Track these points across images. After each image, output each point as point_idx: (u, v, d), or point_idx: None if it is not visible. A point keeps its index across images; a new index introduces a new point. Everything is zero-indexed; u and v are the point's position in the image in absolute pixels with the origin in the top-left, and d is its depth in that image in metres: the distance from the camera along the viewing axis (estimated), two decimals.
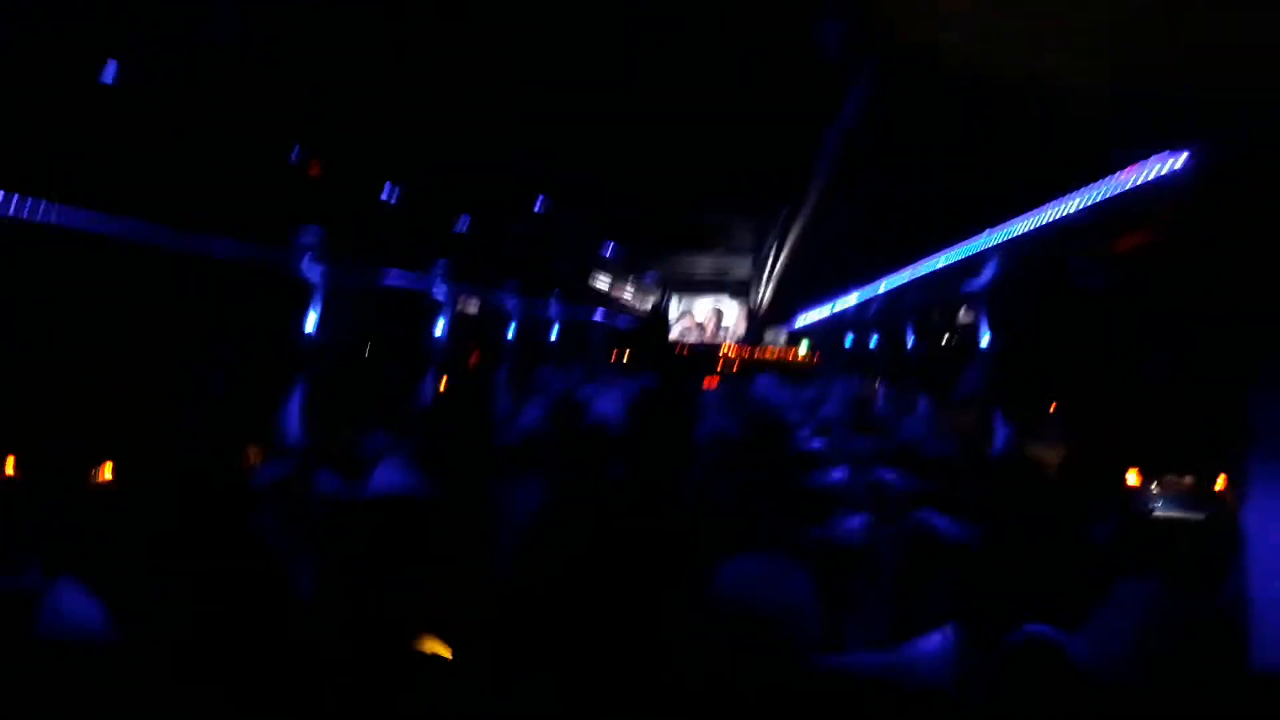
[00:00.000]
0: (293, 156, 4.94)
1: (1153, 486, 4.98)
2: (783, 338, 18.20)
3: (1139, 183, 2.94)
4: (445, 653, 2.93)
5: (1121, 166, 2.91)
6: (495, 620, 3.13)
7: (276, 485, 3.82)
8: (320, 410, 5.54)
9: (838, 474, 4.55)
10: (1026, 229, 4.29)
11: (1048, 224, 4.08)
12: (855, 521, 3.39)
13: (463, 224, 8.01)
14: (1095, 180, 3.17)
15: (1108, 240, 4.40)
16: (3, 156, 3.87)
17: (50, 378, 4.26)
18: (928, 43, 2.32)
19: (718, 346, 17.92)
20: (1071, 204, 3.50)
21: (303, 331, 5.90)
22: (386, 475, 4.19)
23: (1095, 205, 3.33)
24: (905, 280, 7.43)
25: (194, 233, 4.98)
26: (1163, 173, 2.75)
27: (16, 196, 3.89)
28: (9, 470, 3.96)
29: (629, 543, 3.65)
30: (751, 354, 17.78)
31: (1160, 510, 4.85)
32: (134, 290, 4.81)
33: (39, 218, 4.02)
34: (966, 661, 1.99)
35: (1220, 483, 4.89)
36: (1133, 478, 5.06)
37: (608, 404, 7.64)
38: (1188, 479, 4.98)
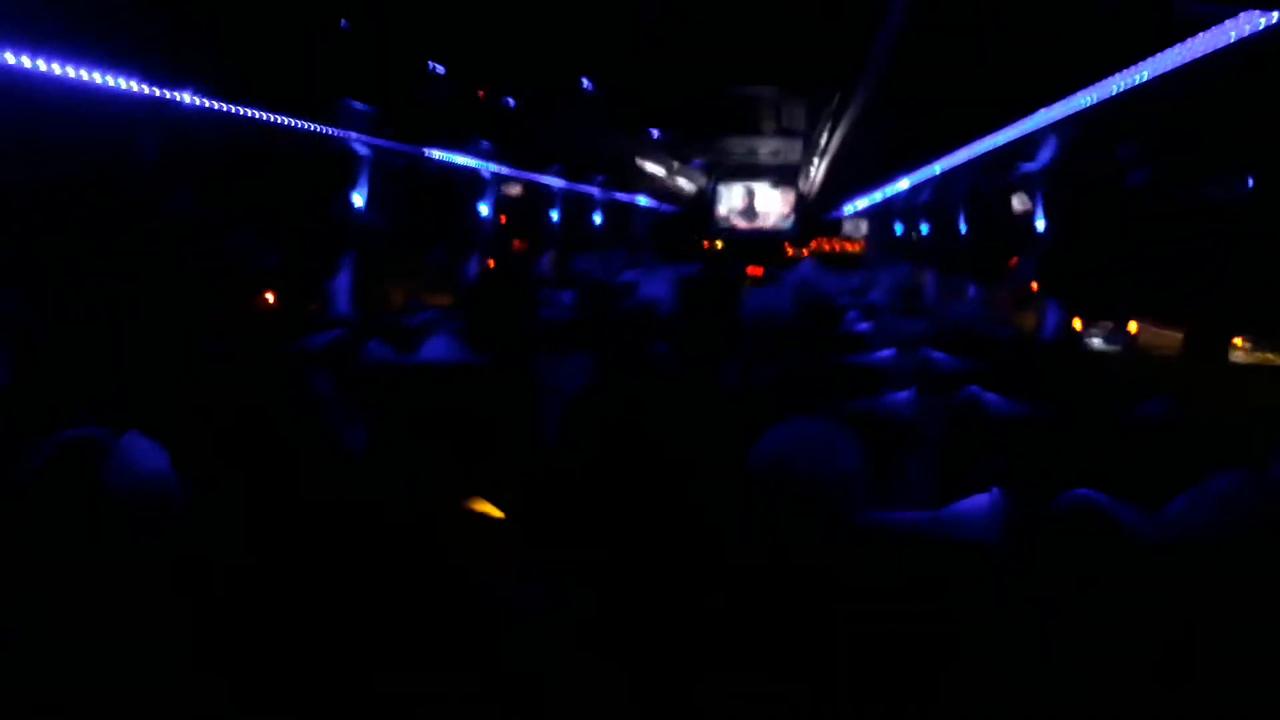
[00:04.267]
0: (342, 25, 4.87)
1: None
2: (831, 228, 17.93)
3: (1214, 48, 2.76)
4: (496, 514, 3.00)
5: (1195, 30, 2.72)
6: (541, 487, 3.20)
7: (329, 350, 3.89)
8: (370, 283, 5.60)
9: (885, 354, 4.52)
10: (1086, 104, 4.11)
11: (1104, 101, 3.91)
12: (902, 396, 3.38)
13: (509, 103, 7.91)
14: (1164, 47, 2.99)
15: (1172, 117, 4.23)
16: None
17: (112, 236, 4.32)
18: None
19: (764, 232, 17.71)
20: (1138, 75, 3.32)
21: (353, 206, 5.92)
22: (436, 347, 4.25)
23: (1163, 75, 3.16)
24: (957, 164, 7.25)
25: (246, 103, 4.97)
26: (1243, 36, 2.56)
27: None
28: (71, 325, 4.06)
29: (674, 414, 3.68)
30: (800, 240, 17.57)
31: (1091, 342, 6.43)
32: (195, 157, 4.83)
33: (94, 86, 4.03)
34: (1012, 521, 2.00)
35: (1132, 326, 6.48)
36: (1076, 323, 6.49)
37: (655, 287, 7.66)
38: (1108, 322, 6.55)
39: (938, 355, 4.40)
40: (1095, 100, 3.92)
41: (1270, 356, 5.75)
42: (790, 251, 17.22)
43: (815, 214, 17.38)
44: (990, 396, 3.28)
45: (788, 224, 17.56)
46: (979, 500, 2.05)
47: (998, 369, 4.17)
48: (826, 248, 17.48)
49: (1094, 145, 5.62)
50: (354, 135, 5.83)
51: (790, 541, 2.18)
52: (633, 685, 2.03)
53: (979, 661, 1.88)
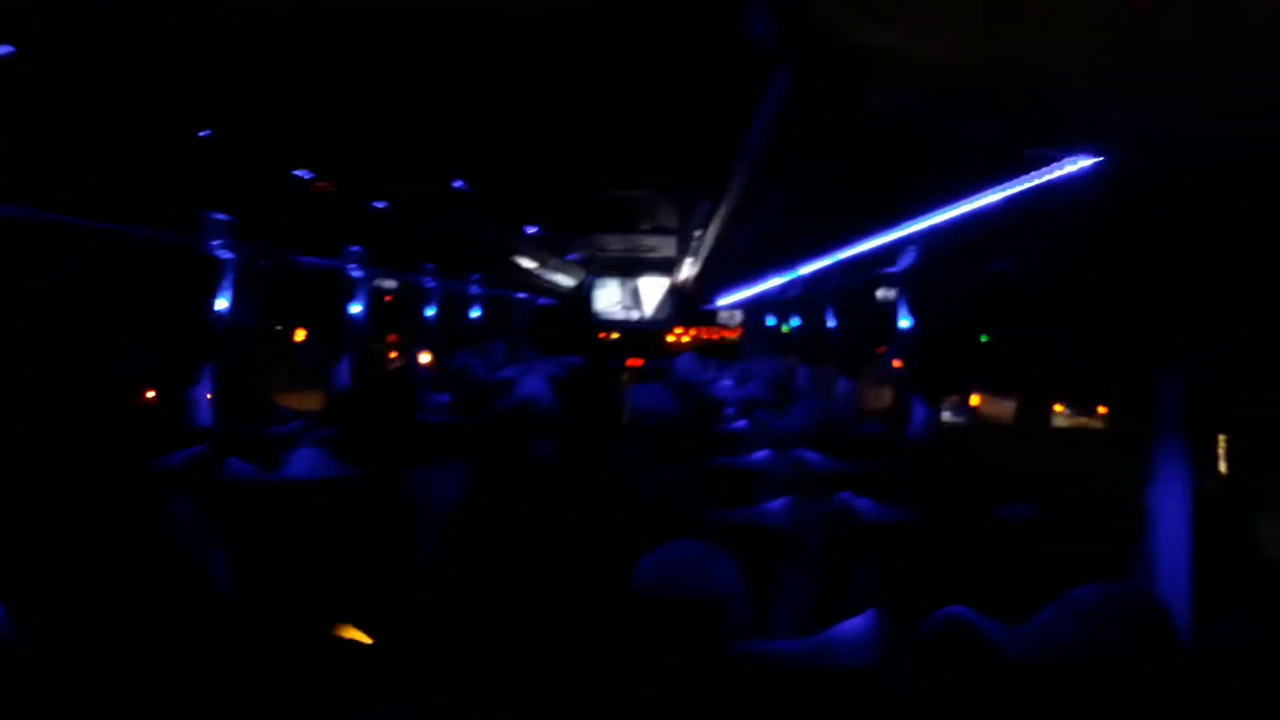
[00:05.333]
0: (202, 134, 4.76)
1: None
2: (707, 318, 18.29)
3: (1053, 180, 3.04)
4: (364, 640, 2.88)
5: (1038, 166, 3.02)
6: (415, 609, 3.09)
7: (186, 471, 3.70)
8: (231, 395, 5.38)
9: (761, 455, 4.58)
10: (943, 221, 4.40)
11: (963, 217, 4.20)
12: (779, 503, 3.41)
13: (379, 204, 7.84)
14: (1012, 177, 3.28)
15: (1020, 234, 4.56)
16: None
17: None
18: (856, 40, 2.33)
19: (643, 323, 17.94)
20: (986, 198, 3.63)
21: (213, 314, 5.71)
22: (303, 462, 4.09)
23: (1011, 200, 3.44)
24: (827, 265, 7.52)
25: (98, 214, 4.78)
26: (1075, 173, 2.86)
27: None
28: None
29: (553, 530, 3.63)
30: (677, 333, 17.87)
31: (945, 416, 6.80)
32: (36, 272, 4.61)
33: None
34: (889, 644, 2.01)
35: (974, 400, 7.37)
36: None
37: (534, 384, 7.60)
38: (955, 398, 7.25)
39: (812, 457, 4.48)
40: (947, 219, 4.21)
41: (1084, 420, 6.74)
42: (669, 339, 17.53)
43: (692, 305, 17.72)
44: (863, 503, 3.35)
45: (665, 315, 17.84)
46: (855, 624, 2.06)
47: (869, 469, 4.28)
48: (705, 336, 17.85)
49: (947, 251, 5.95)
50: (216, 243, 5.68)
51: (670, 672, 2.14)
52: None
53: None
